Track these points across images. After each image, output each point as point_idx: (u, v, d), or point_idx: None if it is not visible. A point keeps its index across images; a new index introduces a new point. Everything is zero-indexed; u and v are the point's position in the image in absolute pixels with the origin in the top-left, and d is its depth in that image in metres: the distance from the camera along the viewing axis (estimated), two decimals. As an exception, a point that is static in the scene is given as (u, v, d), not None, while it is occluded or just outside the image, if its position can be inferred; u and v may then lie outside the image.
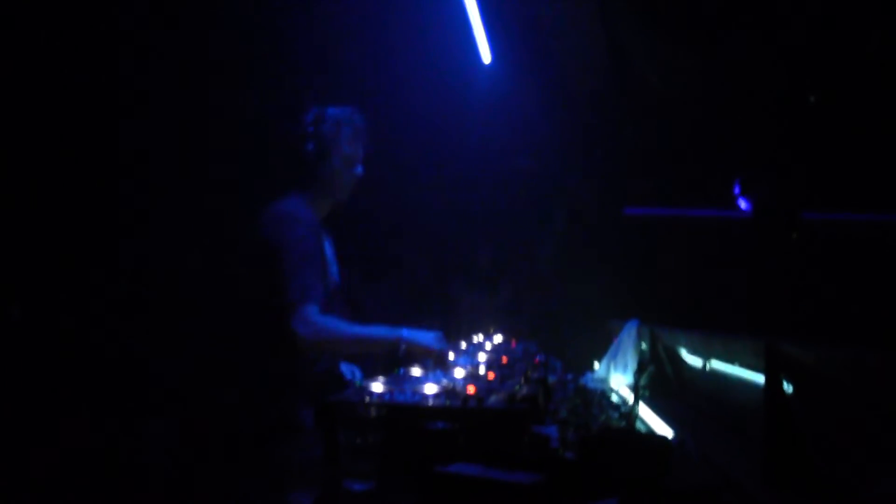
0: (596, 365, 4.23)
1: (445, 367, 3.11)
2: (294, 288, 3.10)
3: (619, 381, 3.87)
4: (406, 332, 3.29)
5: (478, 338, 4.48)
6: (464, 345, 3.97)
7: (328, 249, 3.48)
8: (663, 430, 2.83)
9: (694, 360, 3.46)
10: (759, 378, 2.37)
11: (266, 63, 4.85)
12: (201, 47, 4.57)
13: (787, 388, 2.07)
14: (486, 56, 5.93)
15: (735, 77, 6.23)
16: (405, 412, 2.24)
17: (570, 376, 3.64)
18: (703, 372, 3.27)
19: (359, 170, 3.50)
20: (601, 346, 4.34)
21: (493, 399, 2.34)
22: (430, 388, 2.43)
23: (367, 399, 2.31)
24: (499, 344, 4.38)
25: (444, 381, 2.64)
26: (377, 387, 2.44)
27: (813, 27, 5.52)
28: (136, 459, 4.08)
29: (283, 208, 3.34)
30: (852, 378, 1.91)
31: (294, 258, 3.15)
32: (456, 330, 4.56)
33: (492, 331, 4.77)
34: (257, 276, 3.25)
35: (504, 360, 3.34)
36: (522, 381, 2.71)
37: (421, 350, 3.27)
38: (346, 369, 3.57)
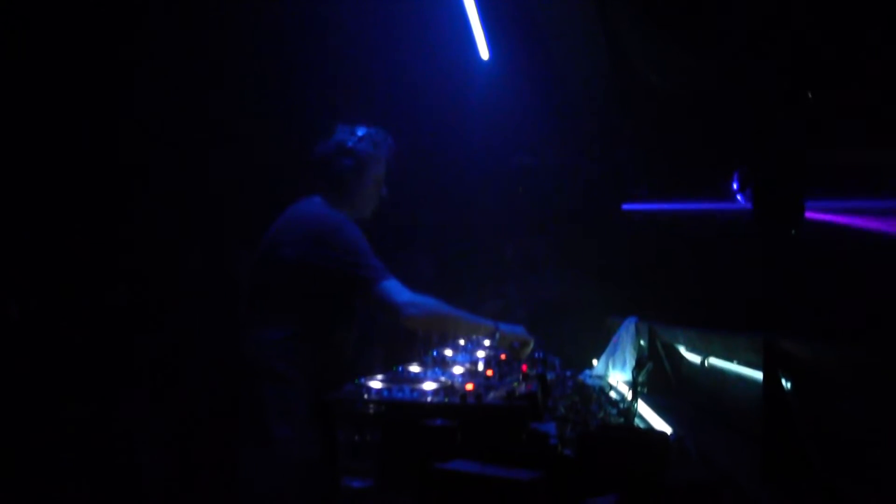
0: (594, 362, 4.24)
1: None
2: (375, 268, 3.09)
3: (618, 378, 3.87)
4: (501, 325, 3.33)
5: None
6: (463, 342, 3.97)
7: None
8: (661, 426, 2.83)
9: (692, 357, 3.47)
10: (758, 375, 2.38)
11: (266, 62, 4.85)
12: (205, 46, 4.57)
13: (786, 384, 2.07)
14: (484, 53, 5.93)
15: (733, 74, 6.23)
16: (404, 409, 2.24)
17: (568, 373, 3.63)
18: (701, 369, 3.27)
19: (384, 191, 3.50)
20: (600, 343, 4.34)
21: (491, 396, 2.34)
22: (429, 385, 2.44)
23: (366, 396, 2.31)
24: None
25: (443, 379, 2.64)
26: (376, 384, 2.44)
27: (812, 24, 5.53)
28: (135, 457, 4.08)
29: (325, 210, 3.31)
30: (850, 375, 1.91)
31: (364, 246, 3.14)
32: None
33: None
34: (309, 274, 3.19)
35: (503, 357, 3.34)
36: (521, 378, 2.71)
37: (514, 338, 3.30)
38: None
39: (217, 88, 4.68)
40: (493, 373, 2.85)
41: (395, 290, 3.06)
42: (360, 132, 3.41)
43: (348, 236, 3.14)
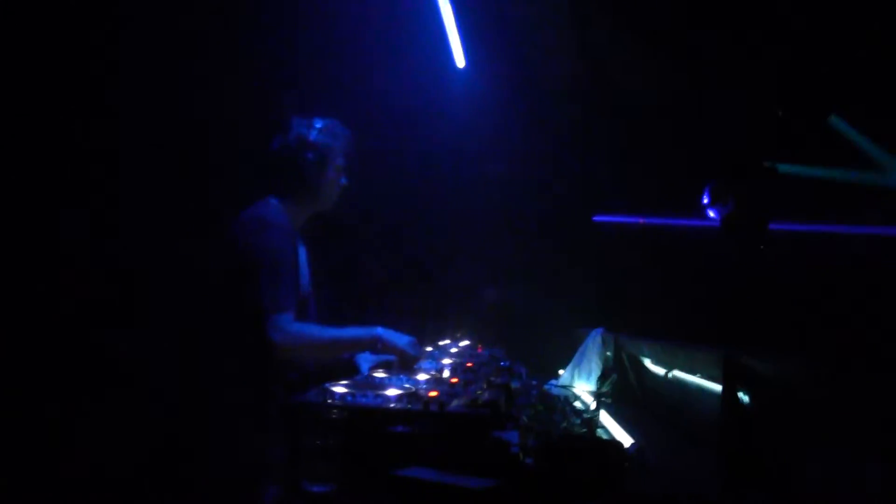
0: (561, 372, 4.26)
1: (410, 371, 3.12)
2: (269, 296, 3.07)
3: (583, 389, 3.89)
4: (380, 331, 3.29)
5: (444, 342, 4.49)
6: (430, 349, 3.98)
7: (301, 257, 3.46)
8: (624, 437, 2.86)
9: (657, 370, 3.50)
10: (719, 388, 2.40)
11: (240, 66, 4.83)
12: (175, 48, 4.55)
13: (744, 398, 2.10)
14: (460, 60, 5.95)
15: (707, 85, 6.30)
16: (366, 415, 2.25)
17: (534, 382, 3.65)
18: (665, 381, 3.30)
19: (344, 180, 3.51)
20: (567, 353, 4.36)
21: (454, 404, 2.35)
22: (393, 392, 2.44)
23: (330, 401, 2.32)
24: (465, 348, 4.39)
25: (408, 385, 2.65)
26: (340, 389, 2.45)
27: (784, 38, 5.60)
28: (100, 456, 4.06)
29: (260, 214, 3.31)
30: (808, 388, 1.94)
31: (269, 265, 3.12)
32: (423, 334, 4.57)
33: (459, 335, 4.78)
34: (233, 281, 3.22)
35: (469, 365, 3.35)
36: (485, 386, 2.72)
37: (395, 350, 3.28)
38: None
39: (191, 88, 4.66)
40: (458, 380, 2.85)
41: (279, 323, 3.06)
42: (319, 124, 3.42)
43: (269, 255, 3.15)
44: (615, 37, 6.32)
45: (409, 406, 2.30)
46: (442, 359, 3.52)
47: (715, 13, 5.94)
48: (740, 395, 2.09)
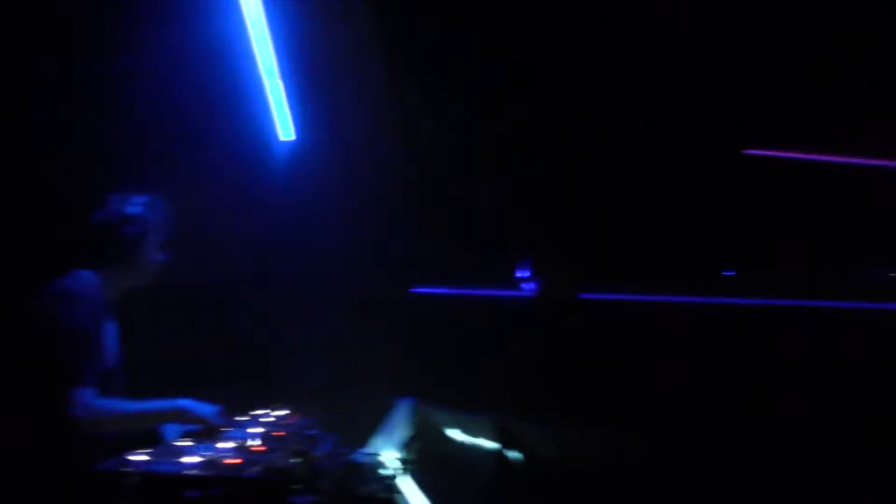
0: (371, 440, 4.36)
1: (216, 439, 3.17)
2: (69, 370, 3.05)
3: (390, 455, 4.01)
4: (184, 403, 3.32)
5: (258, 411, 4.52)
6: (242, 418, 4.01)
7: (111, 331, 3.46)
8: (423, 501, 3.00)
9: (457, 436, 3.67)
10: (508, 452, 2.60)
11: (55, 136, 4.79)
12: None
13: (515, 457, 2.28)
14: (285, 133, 6.07)
15: (526, 165, 6.64)
16: (163, 482, 2.31)
17: (341, 450, 3.74)
18: (462, 446, 3.47)
19: (161, 255, 3.55)
20: (380, 422, 4.47)
21: (252, 470, 2.44)
22: (192, 458, 2.51)
23: (126, 469, 2.36)
24: (278, 417, 4.43)
25: (209, 453, 2.71)
26: (139, 457, 2.49)
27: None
28: None
29: (66, 286, 3.29)
30: (563, 450, 2.15)
31: (71, 339, 3.09)
32: (239, 403, 4.59)
33: (274, 405, 4.81)
34: (36, 353, 3.18)
35: (278, 433, 3.42)
36: (284, 453, 2.81)
37: (200, 420, 3.31)
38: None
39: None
40: (263, 448, 2.93)
41: (80, 399, 3.03)
42: (137, 200, 3.46)
43: (71, 329, 3.13)
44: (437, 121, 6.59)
45: (207, 472, 2.37)
46: (252, 427, 3.57)
47: (540, 95, 6.29)
48: (512, 455, 2.28)
